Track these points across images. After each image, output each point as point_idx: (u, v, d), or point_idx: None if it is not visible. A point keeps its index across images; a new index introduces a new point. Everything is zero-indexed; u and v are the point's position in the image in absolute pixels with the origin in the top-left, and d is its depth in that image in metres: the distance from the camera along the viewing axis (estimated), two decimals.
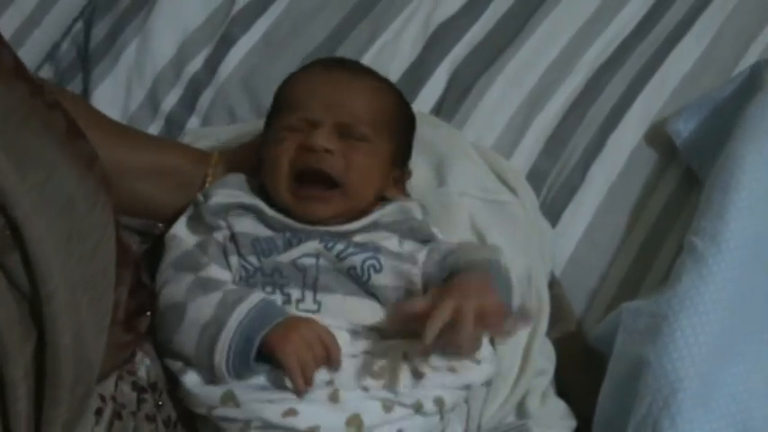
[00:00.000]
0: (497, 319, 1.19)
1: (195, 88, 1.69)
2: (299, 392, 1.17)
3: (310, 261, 1.27)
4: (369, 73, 1.41)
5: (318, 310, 1.24)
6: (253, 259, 1.27)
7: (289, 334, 1.18)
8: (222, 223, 1.30)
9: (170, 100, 1.69)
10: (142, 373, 1.25)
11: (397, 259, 1.29)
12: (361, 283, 1.26)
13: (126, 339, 1.23)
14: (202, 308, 1.21)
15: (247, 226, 1.30)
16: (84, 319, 1.10)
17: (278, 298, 1.25)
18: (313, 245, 1.27)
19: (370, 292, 1.26)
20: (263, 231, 1.30)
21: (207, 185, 1.39)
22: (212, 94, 1.69)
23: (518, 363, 1.38)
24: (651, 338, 1.27)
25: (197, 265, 1.27)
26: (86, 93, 1.71)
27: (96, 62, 1.72)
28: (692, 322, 1.26)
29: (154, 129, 1.69)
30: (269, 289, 1.25)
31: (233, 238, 1.29)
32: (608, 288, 1.52)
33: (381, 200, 1.36)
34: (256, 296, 1.22)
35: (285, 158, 1.31)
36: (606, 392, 1.33)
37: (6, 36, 1.68)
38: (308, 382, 1.17)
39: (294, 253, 1.27)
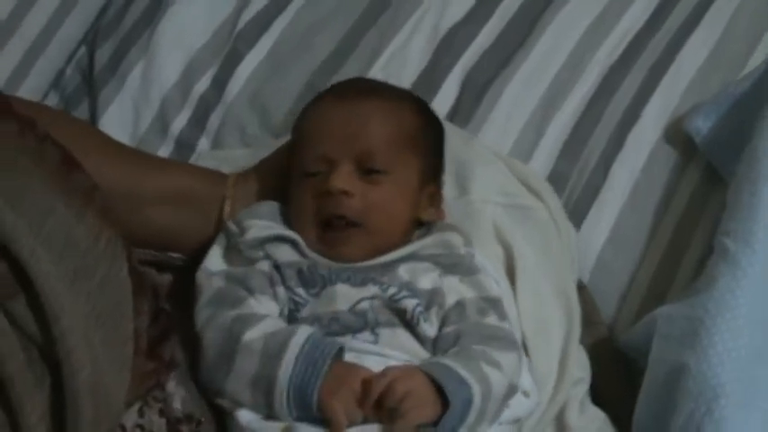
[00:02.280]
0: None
1: (204, 108, 1.67)
2: None
3: (366, 306, 1.24)
4: (383, 92, 1.35)
5: (376, 342, 1.22)
6: (300, 291, 1.24)
7: (337, 387, 1.16)
8: (261, 254, 1.27)
9: (179, 122, 1.67)
10: (177, 404, 1.22)
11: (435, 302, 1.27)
12: (410, 326, 1.23)
13: (149, 368, 1.20)
14: (247, 359, 1.18)
15: (287, 255, 1.27)
16: (100, 356, 1.08)
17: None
18: (371, 290, 1.24)
19: (416, 332, 1.24)
20: (304, 261, 1.27)
21: (227, 209, 1.35)
22: (222, 113, 1.66)
23: (554, 374, 1.35)
24: (689, 344, 1.26)
25: (237, 300, 1.23)
26: (93, 118, 1.69)
27: (102, 87, 1.70)
28: (730, 326, 1.25)
29: (164, 151, 1.67)
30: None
31: (277, 268, 1.26)
32: (637, 289, 1.50)
33: (420, 224, 1.33)
34: (300, 336, 1.18)
35: (310, 208, 1.28)
36: (644, 400, 1.32)
37: (11, 66, 1.75)
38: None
39: (351, 298, 1.24)
